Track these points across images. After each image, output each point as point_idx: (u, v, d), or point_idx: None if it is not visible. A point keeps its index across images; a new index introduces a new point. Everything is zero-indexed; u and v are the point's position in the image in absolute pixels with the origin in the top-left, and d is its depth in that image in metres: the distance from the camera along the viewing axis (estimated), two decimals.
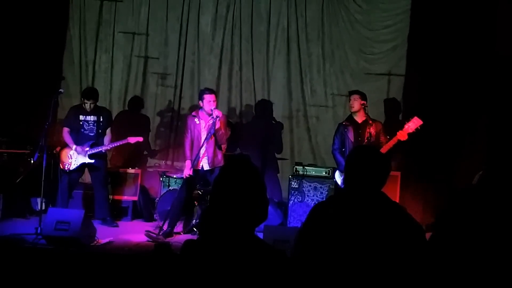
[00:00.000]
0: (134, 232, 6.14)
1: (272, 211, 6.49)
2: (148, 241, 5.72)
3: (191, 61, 7.73)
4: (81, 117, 6.39)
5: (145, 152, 7.73)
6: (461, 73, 6.61)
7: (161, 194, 6.73)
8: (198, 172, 6.04)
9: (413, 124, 5.50)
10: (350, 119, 6.00)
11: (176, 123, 7.70)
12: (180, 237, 5.97)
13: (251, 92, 7.64)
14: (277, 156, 7.55)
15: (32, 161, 5.99)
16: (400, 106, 7.18)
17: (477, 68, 6.52)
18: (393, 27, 7.28)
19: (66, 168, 6.32)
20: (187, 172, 5.94)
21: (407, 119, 5.62)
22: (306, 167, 6.61)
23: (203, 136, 5.93)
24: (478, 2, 6.61)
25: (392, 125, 6.24)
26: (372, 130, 5.82)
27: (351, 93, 6.06)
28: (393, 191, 6.28)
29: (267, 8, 7.57)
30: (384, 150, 5.44)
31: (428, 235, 2.97)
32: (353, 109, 5.93)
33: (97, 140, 6.40)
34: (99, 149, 6.36)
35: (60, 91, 6.43)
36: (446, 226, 2.75)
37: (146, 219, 6.95)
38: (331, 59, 7.47)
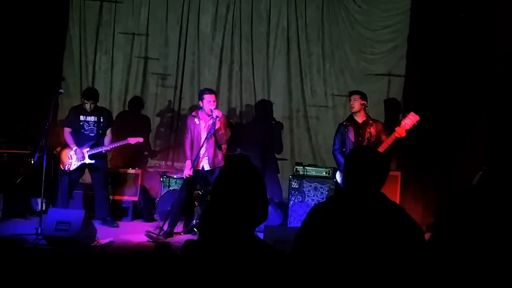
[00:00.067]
0: (135, 233, 6.15)
1: (273, 211, 6.49)
2: (149, 241, 5.72)
3: (191, 61, 7.73)
4: (82, 118, 6.39)
5: (146, 153, 7.73)
6: (461, 73, 6.61)
7: (162, 194, 6.73)
8: (198, 173, 6.04)
9: (410, 120, 5.50)
10: (351, 119, 6.00)
11: (176, 124, 7.70)
12: (180, 237, 5.97)
13: (251, 92, 7.64)
14: (277, 156, 7.55)
15: (32, 162, 5.99)
16: (400, 106, 7.18)
17: (477, 68, 6.52)
18: (393, 27, 7.28)
19: (66, 169, 6.32)
20: (187, 172, 5.94)
21: (404, 115, 5.63)
22: (306, 167, 6.61)
23: (203, 137, 5.94)
24: (478, 2, 6.61)
25: (392, 125, 6.23)
26: (373, 130, 5.82)
27: (352, 93, 6.06)
28: (393, 191, 6.28)
29: (267, 8, 7.58)
30: (382, 148, 5.44)
31: (428, 235, 2.97)
32: (354, 109, 5.93)
33: (98, 141, 6.40)
34: (99, 150, 6.37)
35: (60, 92, 6.43)
36: (446, 227, 2.76)
37: (146, 220, 6.95)
38: (331, 59, 7.47)
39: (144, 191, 7.16)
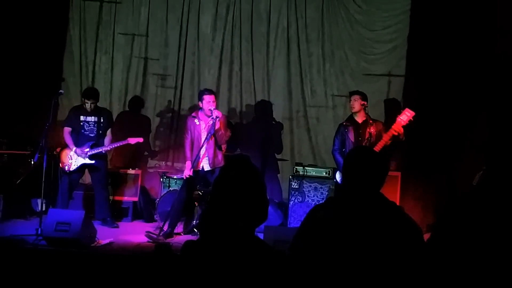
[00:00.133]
0: (135, 233, 6.14)
1: (273, 212, 6.49)
2: (149, 241, 5.72)
3: (191, 61, 7.74)
4: (82, 118, 6.39)
5: (146, 153, 7.73)
6: (461, 73, 6.61)
7: (162, 194, 6.73)
8: (198, 173, 6.04)
9: (405, 116, 5.51)
10: (351, 119, 6.00)
11: (176, 124, 7.70)
12: (180, 238, 5.97)
13: (251, 92, 7.64)
14: (277, 156, 7.55)
15: (32, 162, 6.00)
16: (400, 106, 7.17)
17: (477, 69, 6.52)
18: (393, 27, 7.28)
19: (66, 169, 6.32)
20: (187, 172, 5.94)
21: (399, 112, 5.64)
22: (306, 168, 6.60)
23: (203, 137, 5.94)
24: (478, 2, 6.61)
25: (392, 125, 6.25)
26: (373, 129, 5.81)
27: (352, 93, 6.06)
28: (393, 191, 6.28)
29: (267, 8, 7.58)
30: (379, 146, 5.45)
31: (428, 236, 2.97)
32: (354, 110, 5.93)
33: (98, 141, 6.40)
34: (99, 150, 6.36)
35: (60, 92, 6.43)
36: (446, 227, 2.76)
37: (146, 220, 6.95)
38: (331, 60, 7.47)
39: (144, 192, 7.16)
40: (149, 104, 7.78)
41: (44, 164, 5.73)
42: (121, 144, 6.43)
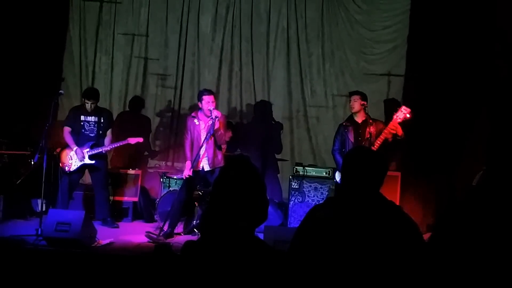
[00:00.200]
0: (135, 233, 6.15)
1: (273, 212, 6.49)
2: (149, 242, 5.72)
3: (191, 62, 7.74)
4: (82, 118, 6.39)
5: (146, 153, 7.73)
6: (461, 73, 6.61)
7: (162, 195, 6.73)
8: (198, 173, 6.04)
9: (401, 113, 5.56)
10: (351, 119, 6.01)
11: (176, 124, 7.70)
12: (180, 238, 5.97)
13: (251, 92, 7.65)
14: (277, 156, 7.55)
15: (32, 162, 6.00)
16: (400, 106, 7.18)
17: (477, 68, 6.52)
18: (393, 27, 7.29)
19: (66, 169, 6.32)
20: (187, 172, 5.94)
21: (395, 110, 5.67)
22: (306, 168, 6.61)
23: (203, 137, 5.94)
24: (478, 2, 6.61)
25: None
26: (372, 129, 5.82)
27: (352, 93, 6.07)
28: (393, 191, 6.29)
29: (267, 8, 7.58)
30: (376, 146, 5.48)
31: (428, 235, 2.98)
32: (354, 110, 5.94)
33: (98, 141, 6.41)
34: (100, 150, 6.36)
35: (61, 92, 6.43)
36: (447, 227, 2.76)
37: (146, 220, 6.95)
38: (331, 60, 7.48)
39: (144, 192, 7.16)
40: (149, 104, 7.78)
41: (44, 164, 5.74)
42: (121, 144, 6.43)
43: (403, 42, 7.19)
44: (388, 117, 7.05)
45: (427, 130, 6.62)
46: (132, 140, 6.43)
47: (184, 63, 7.70)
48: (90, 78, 7.77)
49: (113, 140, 6.51)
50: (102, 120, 6.43)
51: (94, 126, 6.41)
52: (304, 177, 6.53)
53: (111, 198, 6.84)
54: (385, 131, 5.56)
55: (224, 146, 6.14)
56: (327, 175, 6.51)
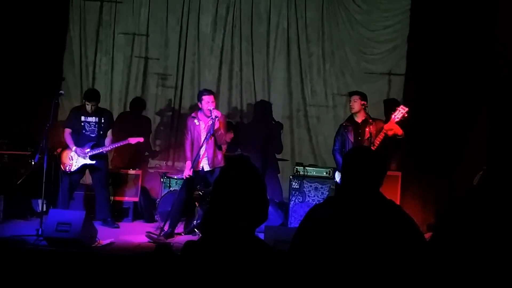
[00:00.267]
0: (135, 233, 6.15)
1: (273, 212, 6.50)
2: (149, 242, 5.72)
3: (191, 62, 7.74)
4: (83, 118, 6.39)
5: (146, 153, 7.73)
6: (461, 72, 6.61)
7: (162, 195, 6.73)
8: (198, 173, 6.05)
9: (399, 112, 5.57)
10: (351, 119, 6.01)
11: (176, 124, 7.70)
12: (181, 238, 5.98)
13: (251, 92, 7.65)
14: (278, 156, 7.56)
15: (33, 163, 6.00)
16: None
17: (477, 68, 6.53)
18: (393, 27, 7.29)
19: (67, 170, 6.33)
20: (187, 172, 5.95)
21: (394, 109, 5.68)
22: (306, 168, 6.61)
23: (203, 137, 5.94)
24: (478, 2, 6.62)
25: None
26: (372, 129, 5.81)
27: (351, 94, 6.07)
28: (394, 191, 6.29)
29: (267, 8, 7.58)
30: (375, 145, 5.48)
31: (428, 235, 2.98)
32: (354, 110, 5.94)
33: (98, 141, 6.41)
34: (100, 150, 6.37)
35: (61, 93, 6.43)
36: (447, 227, 2.76)
37: (147, 220, 6.96)
38: (331, 60, 7.48)
39: (144, 192, 7.17)
40: (150, 104, 7.78)
41: (45, 164, 5.74)
42: (121, 144, 6.43)
43: (403, 42, 7.20)
44: (389, 117, 7.07)
45: (427, 130, 6.62)
46: (133, 140, 6.43)
47: (185, 63, 7.70)
48: (91, 78, 7.76)
49: (113, 141, 6.51)
50: (102, 121, 6.43)
51: (94, 127, 6.42)
52: (304, 177, 6.53)
53: (112, 198, 6.85)
54: (383, 131, 5.57)
55: (224, 146, 6.14)
56: (327, 175, 6.51)
